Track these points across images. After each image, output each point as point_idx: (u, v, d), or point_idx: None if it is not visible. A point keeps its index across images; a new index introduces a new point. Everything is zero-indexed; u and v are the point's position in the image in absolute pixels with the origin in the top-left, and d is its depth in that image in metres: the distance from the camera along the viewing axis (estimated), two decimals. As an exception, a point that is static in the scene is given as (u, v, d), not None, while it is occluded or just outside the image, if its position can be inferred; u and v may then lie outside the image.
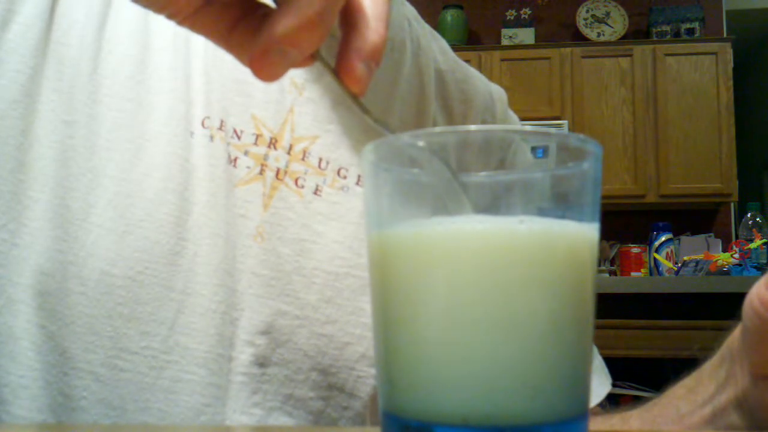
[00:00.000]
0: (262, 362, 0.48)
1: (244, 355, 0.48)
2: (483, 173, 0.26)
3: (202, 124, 0.50)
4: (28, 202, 0.46)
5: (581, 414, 0.26)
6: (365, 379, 0.50)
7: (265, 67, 0.27)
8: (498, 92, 0.66)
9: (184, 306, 0.47)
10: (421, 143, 0.26)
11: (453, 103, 0.61)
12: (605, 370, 0.62)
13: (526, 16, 4.05)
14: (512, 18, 4.05)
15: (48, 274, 0.45)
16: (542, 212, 0.25)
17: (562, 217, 0.25)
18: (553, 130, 0.26)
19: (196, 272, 0.48)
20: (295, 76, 0.53)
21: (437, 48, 0.62)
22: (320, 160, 0.52)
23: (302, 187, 0.51)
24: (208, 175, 0.49)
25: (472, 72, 0.65)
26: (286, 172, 0.51)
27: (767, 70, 5.16)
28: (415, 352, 0.25)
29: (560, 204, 0.26)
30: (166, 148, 0.49)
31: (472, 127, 0.26)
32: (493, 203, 0.26)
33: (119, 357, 0.46)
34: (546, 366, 0.24)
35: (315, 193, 0.51)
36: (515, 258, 0.24)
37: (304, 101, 0.53)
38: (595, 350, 0.60)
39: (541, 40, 3.97)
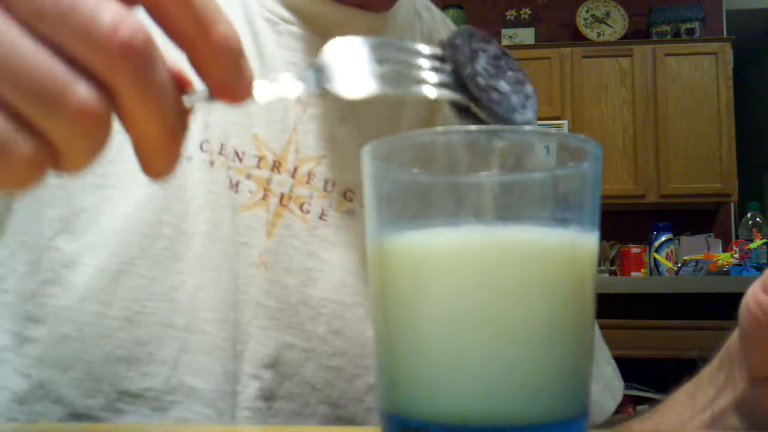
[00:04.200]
0: (268, 396, 0.46)
1: (249, 389, 0.46)
2: (483, 173, 0.26)
3: (201, 148, 0.48)
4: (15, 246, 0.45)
5: (581, 415, 0.26)
6: (375, 411, 0.48)
7: (236, 85, 0.25)
8: None
9: (187, 344, 0.45)
10: (424, 143, 0.26)
11: None
12: (617, 380, 0.59)
13: (526, 16, 4.05)
14: (512, 18, 4.05)
15: (37, 321, 0.44)
16: (542, 213, 0.25)
17: (562, 218, 0.25)
18: (553, 130, 0.26)
19: (198, 308, 0.45)
20: None
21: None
22: (326, 182, 0.50)
23: (307, 212, 0.49)
24: (208, 203, 0.47)
25: None
26: (290, 197, 0.49)
27: (767, 70, 5.16)
28: (416, 354, 0.25)
29: (560, 205, 0.26)
30: None
31: (472, 128, 0.26)
32: (493, 203, 0.26)
33: (120, 400, 0.44)
34: (546, 368, 0.24)
35: (320, 217, 0.49)
36: (515, 262, 0.24)
37: (308, 119, 0.50)
38: (609, 356, 0.58)
39: (541, 40, 3.96)
